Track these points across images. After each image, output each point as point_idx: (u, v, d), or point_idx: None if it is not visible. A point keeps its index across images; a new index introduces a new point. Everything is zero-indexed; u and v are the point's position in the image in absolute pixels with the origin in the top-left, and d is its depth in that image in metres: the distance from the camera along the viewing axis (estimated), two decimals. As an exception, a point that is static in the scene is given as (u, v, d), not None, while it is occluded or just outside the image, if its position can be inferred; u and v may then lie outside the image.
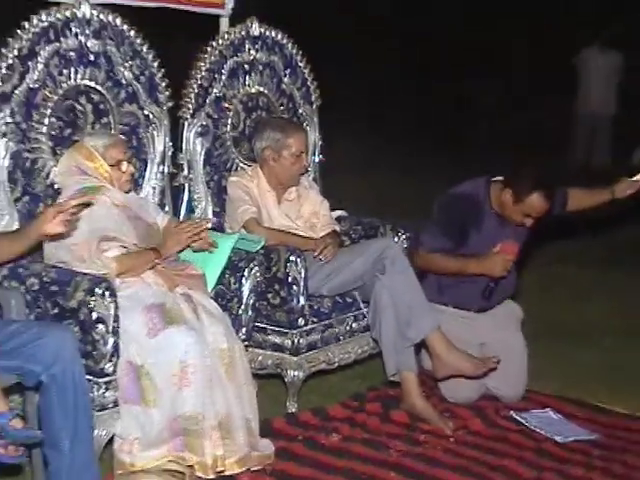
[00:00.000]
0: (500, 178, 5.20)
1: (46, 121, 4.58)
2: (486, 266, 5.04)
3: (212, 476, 4.12)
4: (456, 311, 5.25)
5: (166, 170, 5.15)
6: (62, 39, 4.62)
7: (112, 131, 4.85)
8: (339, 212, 5.66)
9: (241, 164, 5.47)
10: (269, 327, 4.96)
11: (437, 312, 5.04)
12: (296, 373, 4.94)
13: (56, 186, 4.51)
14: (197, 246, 4.57)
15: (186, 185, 5.27)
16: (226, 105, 5.45)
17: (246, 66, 5.54)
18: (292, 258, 4.85)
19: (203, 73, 5.31)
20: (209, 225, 4.80)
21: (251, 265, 4.74)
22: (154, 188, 5.08)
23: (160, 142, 5.10)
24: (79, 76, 4.71)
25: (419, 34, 18.49)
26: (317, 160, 5.94)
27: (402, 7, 18.41)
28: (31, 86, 4.50)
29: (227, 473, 4.18)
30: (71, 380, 3.72)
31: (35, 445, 3.80)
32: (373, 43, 17.88)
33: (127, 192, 4.55)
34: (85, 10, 4.70)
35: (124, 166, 4.47)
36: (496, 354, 5.06)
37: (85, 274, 4.11)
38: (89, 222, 4.22)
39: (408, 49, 18.80)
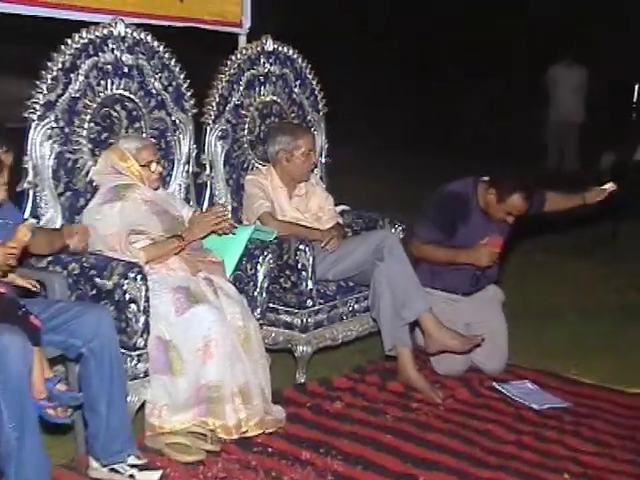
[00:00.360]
0: (486, 178, 5.23)
1: (86, 126, 4.60)
2: (474, 257, 5.06)
3: (234, 437, 4.16)
4: (445, 294, 5.27)
5: (191, 169, 5.16)
6: (100, 54, 4.64)
7: (143, 135, 4.86)
8: (342, 207, 5.66)
9: (256, 164, 5.47)
10: (281, 308, 4.98)
11: (428, 295, 5.07)
12: (305, 348, 4.97)
13: (94, 183, 4.54)
14: (221, 230, 4.59)
15: (208, 182, 5.27)
16: (243, 112, 5.45)
17: (261, 78, 5.54)
18: (301, 247, 4.88)
19: (223, 84, 5.32)
20: (229, 213, 4.81)
21: (265, 253, 4.77)
22: (180, 185, 5.10)
23: (185, 145, 5.12)
24: (115, 86, 4.74)
25: (416, 37, 17.70)
26: (323, 161, 5.93)
27: (400, 10, 17.63)
28: (73, 95, 4.52)
29: (248, 434, 4.22)
30: (107, 353, 3.77)
31: (77, 408, 3.83)
32: (373, 44, 17.20)
33: (156, 189, 4.58)
34: (120, 28, 4.73)
35: (153, 166, 4.50)
36: (480, 332, 5.09)
37: (120, 260, 4.15)
38: (121, 217, 4.28)
39: (406, 53, 18.00)
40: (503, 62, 16.05)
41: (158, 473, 3.85)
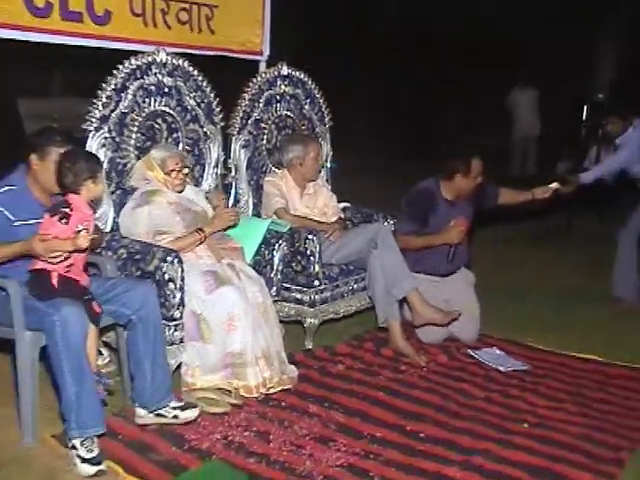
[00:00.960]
0: (442, 174, 5.31)
1: (133, 136, 4.63)
2: (446, 237, 5.10)
3: (254, 395, 4.20)
4: (428, 277, 5.28)
5: (219, 172, 5.19)
6: (145, 77, 4.67)
7: (180, 144, 4.90)
8: (344, 204, 5.65)
9: (273, 168, 5.48)
10: (293, 287, 4.98)
11: (414, 277, 5.08)
12: (312, 320, 4.98)
13: (134, 185, 4.56)
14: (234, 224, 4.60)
15: (233, 183, 5.29)
16: (263, 125, 5.46)
17: (277, 97, 5.55)
18: (310, 237, 4.89)
19: (246, 101, 5.34)
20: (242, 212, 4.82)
21: (280, 241, 4.80)
22: (210, 185, 5.12)
23: (215, 151, 5.14)
24: (157, 103, 4.76)
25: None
26: (329, 166, 5.94)
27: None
28: (123, 111, 4.56)
29: (271, 391, 4.26)
30: (152, 320, 3.82)
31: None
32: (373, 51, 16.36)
33: (180, 192, 4.56)
34: (162, 56, 4.76)
35: (174, 174, 4.46)
36: (457, 308, 5.12)
37: (159, 247, 4.19)
38: (148, 219, 4.32)
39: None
40: (469, 89, 15.92)
41: (197, 410, 3.93)
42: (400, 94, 16.49)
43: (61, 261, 3.52)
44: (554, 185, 5.56)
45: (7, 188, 3.70)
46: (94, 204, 3.76)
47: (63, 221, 3.48)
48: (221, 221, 4.51)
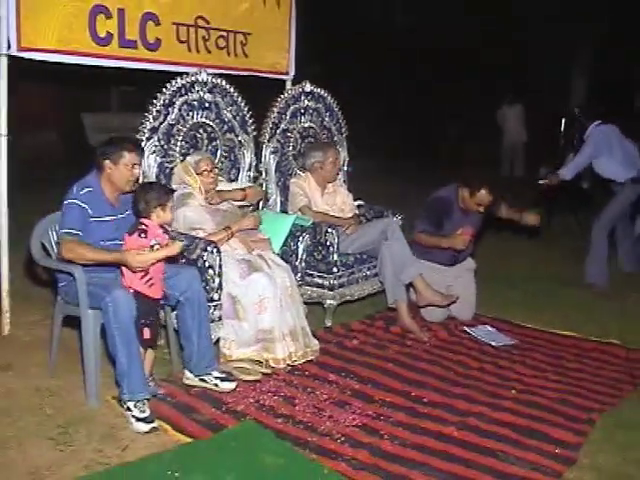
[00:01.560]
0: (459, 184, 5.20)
1: (178, 144, 4.64)
2: (452, 242, 5.02)
3: (282, 366, 4.21)
4: (434, 265, 5.24)
5: (252, 175, 5.18)
6: (189, 94, 4.68)
7: (218, 151, 4.91)
8: (359, 202, 5.61)
9: (298, 171, 5.44)
10: (315, 273, 4.96)
11: (421, 265, 5.03)
12: (331, 302, 4.97)
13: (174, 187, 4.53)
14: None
15: (264, 184, 5.26)
16: (289, 134, 5.44)
17: (302, 110, 5.53)
18: (330, 230, 4.88)
19: (275, 114, 5.32)
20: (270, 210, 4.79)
21: (304, 234, 4.79)
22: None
23: (248, 157, 5.14)
24: (199, 116, 4.77)
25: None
26: (346, 169, 5.91)
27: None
28: (170, 122, 4.57)
29: (296, 363, 4.27)
30: (197, 300, 3.84)
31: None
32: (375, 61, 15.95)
33: (208, 199, 4.52)
34: (203, 76, 4.78)
35: (205, 174, 4.44)
36: (458, 292, 5.11)
37: (201, 239, 4.18)
38: (184, 219, 4.32)
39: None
40: (464, 106, 15.82)
41: (234, 384, 3.93)
42: (400, 95, 16.29)
43: (143, 276, 3.58)
44: (536, 221, 5.41)
45: (88, 189, 3.71)
46: (165, 227, 3.76)
47: (142, 235, 3.57)
48: (249, 221, 4.49)
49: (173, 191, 3.86)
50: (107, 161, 3.73)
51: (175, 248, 3.58)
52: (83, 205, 3.66)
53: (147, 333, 3.61)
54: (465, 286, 5.31)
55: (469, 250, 5.34)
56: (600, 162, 6.33)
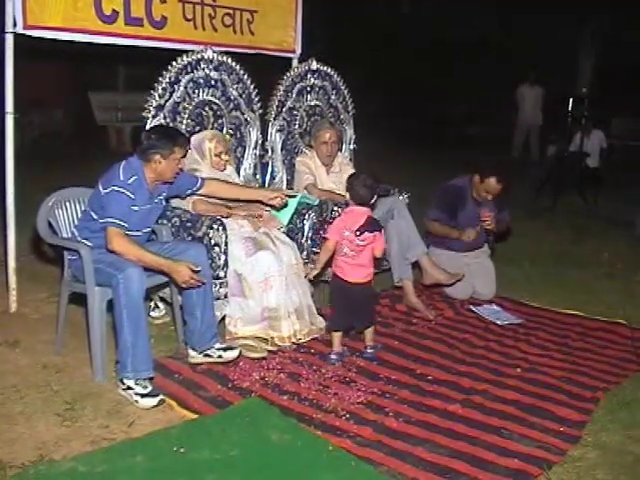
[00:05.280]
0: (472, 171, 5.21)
1: (184, 122, 4.62)
2: (463, 235, 5.08)
3: (287, 344, 4.21)
4: (450, 252, 5.24)
5: (258, 152, 5.16)
6: (195, 71, 4.66)
7: (224, 129, 4.88)
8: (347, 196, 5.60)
9: (304, 149, 5.41)
10: (320, 251, 4.91)
11: (441, 254, 5.09)
12: (337, 280, 4.95)
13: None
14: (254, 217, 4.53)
15: (270, 162, 5.26)
16: (295, 112, 5.41)
17: (308, 88, 5.49)
18: (335, 208, 4.83)
19: (281, 92, 5.31)
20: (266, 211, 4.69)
21: (310, 212, 4.76)
22: (250, 164, 5.10)
23: (254, 135, 5.11)
24: (205, 94, 4.74)
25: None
26: (352, 147, 5.88)
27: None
28: (176, 100, 4.55)
29: (301, 340, 4.26)
30: (203, 276, 3.79)
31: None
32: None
33: (222, 170, 4.54)
34: (209, 54, 4.75)
35: (216, 158, 4.46)
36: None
37: (207, 216, 4.16)
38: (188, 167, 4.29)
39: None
40: (479, 85, 15.69)
41: (237, 351, 3.96)
42: (413, 76, 16.14)
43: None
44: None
45: (134, 178, 3.67)
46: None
47: None
48: (242, 210, 4.44)
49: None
50: (157, 155, 3.70)
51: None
52: (131, 196, 3.63)
53: None
54: (484, 266, 5.34)
55: (483, 238, 5.34)
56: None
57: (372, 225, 4.01)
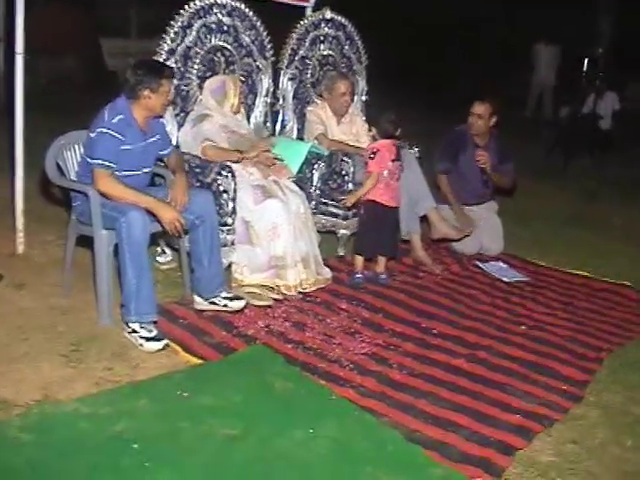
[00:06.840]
0: None
1: (195, 67, 4.54)
2: (458, 211, 5.13)
3: (293, 293, 4.18)
4: (466, 208, 5.22)
5: (269, 101, 5.08)
6: (207, 16, 4.56)
7: (235, 75, 4.76)
8: (374, 131, 5.53)
9: (315, 99, 5.32)
10: (329, 202, 4.87)
11: (433, 199, 4.94)
12: (344, 231, 4.90)
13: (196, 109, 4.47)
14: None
15: (281, 111, 5.19)
16: (308, 62, 5.32)
17: (321, 37, 5.39)
18: (345, 159, 4.77)
19: (294, 40, 5.22)
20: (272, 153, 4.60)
21: (319, 162, 4.73)
22: (261, 112, 5.02)
23: (266, 83, 5.02)
24: (217, 39, 4.65)
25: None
26: (363, 99, 5.79)
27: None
28: (188, 45, 4.47)
29: (307, 290, 4.24)
30: (210, 222, 3.80)
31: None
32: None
33: (235, 113, 4.49)
34: (222, -1, 4.65)
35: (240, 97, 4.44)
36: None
37: (216, 162, 4.11)
38: (199, 130, 4.27)
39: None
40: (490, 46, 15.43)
41: (244, 301, 3.93)
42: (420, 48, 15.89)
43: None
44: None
45: (120, 117, 3.59)
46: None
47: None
48: (254, 149, 4.33)
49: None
50: (146, 91, 3.62)
51: None
52: (117, 135, 3.56)
53: None
54: (493, 222, 5.35)
55: (490, 190, 5.39)
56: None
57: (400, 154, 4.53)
